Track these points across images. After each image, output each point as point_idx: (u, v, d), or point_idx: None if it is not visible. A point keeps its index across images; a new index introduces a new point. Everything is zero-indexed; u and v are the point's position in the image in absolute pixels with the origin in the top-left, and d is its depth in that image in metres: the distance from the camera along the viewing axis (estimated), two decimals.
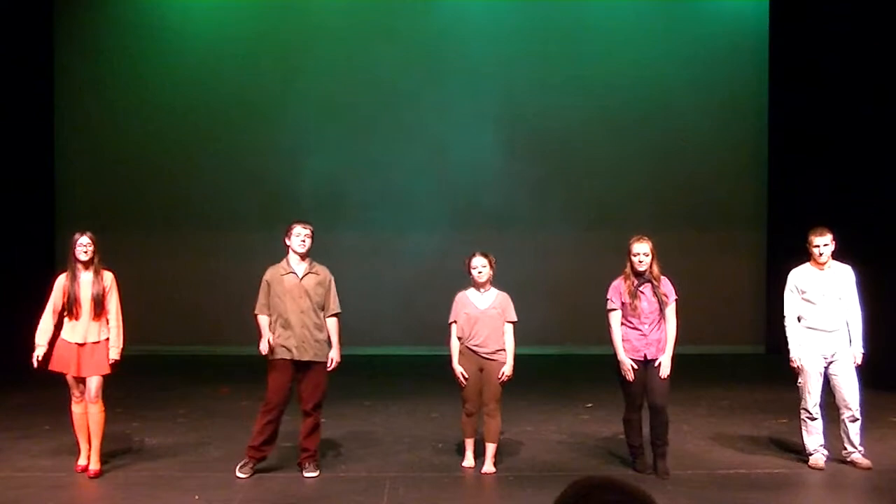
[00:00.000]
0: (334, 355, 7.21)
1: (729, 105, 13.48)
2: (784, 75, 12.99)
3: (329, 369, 7.22)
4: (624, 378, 7.14)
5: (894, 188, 11.29)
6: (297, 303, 7.10)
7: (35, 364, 7.06)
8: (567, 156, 13.49)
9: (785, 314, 7.45)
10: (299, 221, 7.23)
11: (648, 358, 7.12)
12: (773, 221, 13.33)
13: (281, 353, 7.10)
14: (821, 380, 7.31)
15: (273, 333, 7.11)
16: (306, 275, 7.17)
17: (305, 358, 7.11)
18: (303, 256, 7.18)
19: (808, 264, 7.37)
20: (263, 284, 7.21)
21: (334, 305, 7.28)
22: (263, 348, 7.12)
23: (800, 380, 7.37)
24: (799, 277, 7.38)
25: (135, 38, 13.48)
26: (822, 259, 7.25)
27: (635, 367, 7.08)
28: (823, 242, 7.23)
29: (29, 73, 12.62)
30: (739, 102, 13.50)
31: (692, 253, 12.98)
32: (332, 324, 7.26)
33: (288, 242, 7.19)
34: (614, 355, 7.23)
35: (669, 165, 13.44)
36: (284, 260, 7.23)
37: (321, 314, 7.21)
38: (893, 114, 11.38)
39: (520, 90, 13.43)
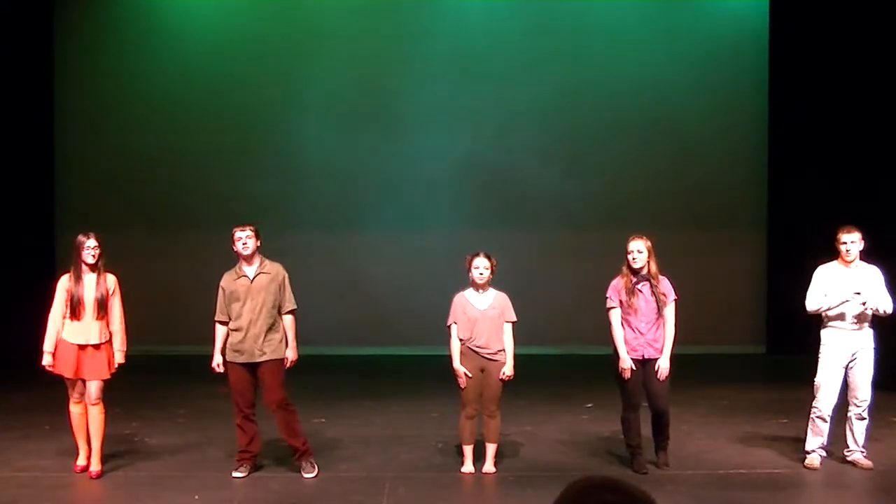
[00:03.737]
0: (290, 354, 7.21)
1: (729, 105, 13.47)
2: (784, 76, 12.98)
3: (286, 367, 7.20)
4: (621, 376, 7.14)
5: (894, 188, 11.30)
6: (249, 306, 7.12)
7: (47, 369, 7.08)
8: (567, 157, 13.48)
9: (807, 302, 7.24)
10: (238, 225, 7.23)
11: (646, 357, 7.13)
12: (773, 222, 13.32)
13: (234, 358, 7.15)
14: (839, 383, 7.23)
15: (228, 338, 7.17)
16: (257, 275, 7.18)
17: (259, 360, 7.12)
18: (249, 259, 7.18)
19: (835, 262, 7.30)
20: (220, 291, 7.25)
21: (289, 303, 7.26)
22: (214, 364, 7.21)
23: (816, 378, 7.29)
24: (825, 274, 7.29)
25: (135, 39, 13.46)
26: (850, 257, 7.18)
27: (633, 367, 7.08)
28: (851, 239, 7.16)
29: (29, 73, 12.61)
30: (740, 103, 13.49)
31: (692, 253, 12.97)
32: (287, 321, 7.24)
33: (235, 249, 7.21)
34: (611, 354, 7.24)
35: (670, 166, 13.43)
36: (237, 265, 7.25)
37: (275, 313, 7.19)
38: (894, 114, 11.38)
39: (521, 91, 13.42)
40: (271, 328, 7.14)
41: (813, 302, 7.25)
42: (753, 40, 13.36)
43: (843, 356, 7.22)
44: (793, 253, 12.24)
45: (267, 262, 7.26)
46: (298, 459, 7.25)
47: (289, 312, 7.25)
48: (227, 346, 7.20)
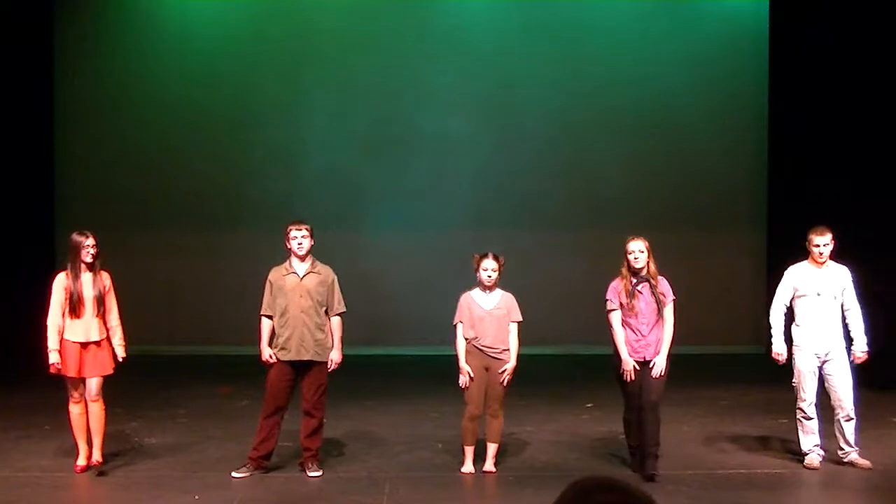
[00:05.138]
0: (335, 356, 7.23)
1: (729, 105, 13.47)
2: (784, 75, 12.98)
3: (329, 370, 7.24)
4: (622, 378, 7.12)
5: (894, 188, 11.30)
6: (297, 302, 7.14)
7: (55, 370, 7.05)
8: (567, 156, 13.48)
9: (772, 307, 7.47)
10: (294, 223, 7.26)
11: (647, 359, 7.10)
12: (773, 221, 13.32)
13: (280, 355, 7.13)
14: (815, 379, 7.32)
15: (274, 335, 7.15)
16: (307, 274, 7.21)
17: (304, 358, 7.13)
18: (302, 257, 7.21)
19: (805, 262, 7.41)
20: (267, 285, 7.27)
21: (339, 305, 7.31)
22: (265, 357, 7.18)
23: (794, 380, 7.39)
24: (796, 274, 7.41)
25: (135, 38, 13.46)
26: (822, 259, 7.28)
27: (637, 367, 7.06)
28: (824, 242, 7.27)
29: (29, 72, 12.60)
30: (739, 102, 13.49)
31: (692, 253, 12.97)
32: (335, 323, 7.29)
33: (288, 246, 7.23)
34: (612, 355, 7.22)
35: (669, 165, 13.44)
36: (287, 261, 7.27)
37: (322, 314, 7.23)
38: (894, 114, 11.38)
39: (520, 90, 13.42)
40: (318, 328, 7.16)
41: (775, 309, 7.45)
42: (753, 40, 13.37)
43: (816, 354, 7.29)
44: (793, 253, 12.23)
45: (318, 263, 7.29)
46: (306, 460, 7.25)
47: (337, 315, 7.28)
48: (273, 342, 7.19)
